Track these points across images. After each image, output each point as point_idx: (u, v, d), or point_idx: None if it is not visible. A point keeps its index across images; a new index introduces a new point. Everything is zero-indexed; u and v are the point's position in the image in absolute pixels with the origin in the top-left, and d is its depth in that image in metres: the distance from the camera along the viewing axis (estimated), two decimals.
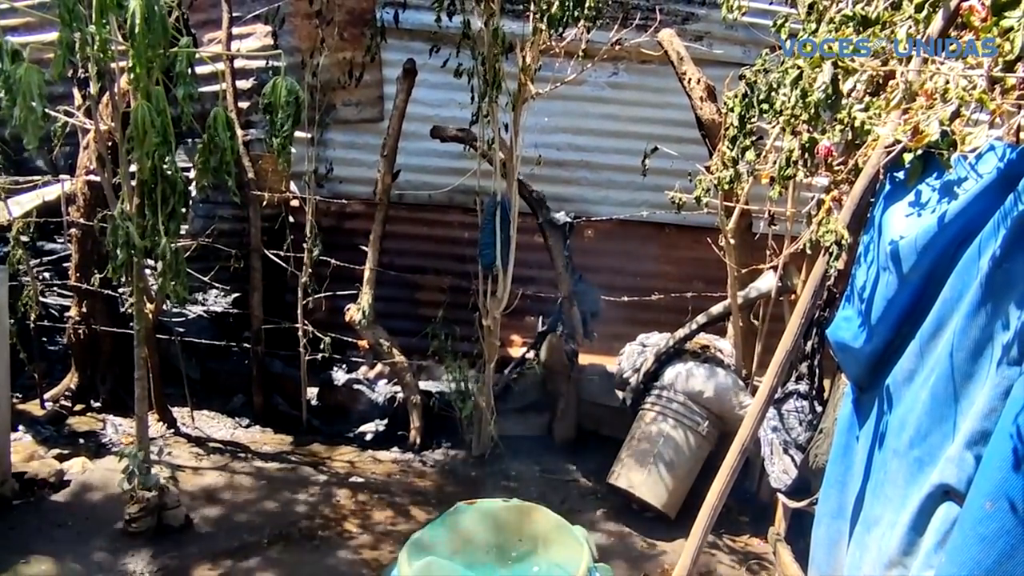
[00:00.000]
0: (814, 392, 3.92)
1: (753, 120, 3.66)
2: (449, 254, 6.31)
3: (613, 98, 6.36)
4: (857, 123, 2.66)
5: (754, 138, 3.77)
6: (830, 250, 2.78)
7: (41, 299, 5.34)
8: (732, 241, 4.46)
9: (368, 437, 5.36)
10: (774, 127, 3.54)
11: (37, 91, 3.02)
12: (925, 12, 2.59)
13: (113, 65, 3.60)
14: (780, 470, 3.94)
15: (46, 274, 5.89)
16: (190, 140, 5.12)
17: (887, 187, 2.78)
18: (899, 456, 2.59)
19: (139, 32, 2.99)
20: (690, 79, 4.66)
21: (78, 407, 5.27)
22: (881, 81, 2.86)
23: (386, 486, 4.72)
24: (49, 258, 5.96)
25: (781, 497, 3.93)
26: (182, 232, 4.20)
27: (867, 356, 2.84)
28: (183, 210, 3.53)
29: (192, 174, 3.66)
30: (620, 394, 5.03)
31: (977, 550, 1.99)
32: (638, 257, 6.50)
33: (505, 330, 5.32)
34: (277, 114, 3.51)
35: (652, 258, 6.47)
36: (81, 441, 4.89)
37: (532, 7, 4.27)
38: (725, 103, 3.85)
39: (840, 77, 2.60)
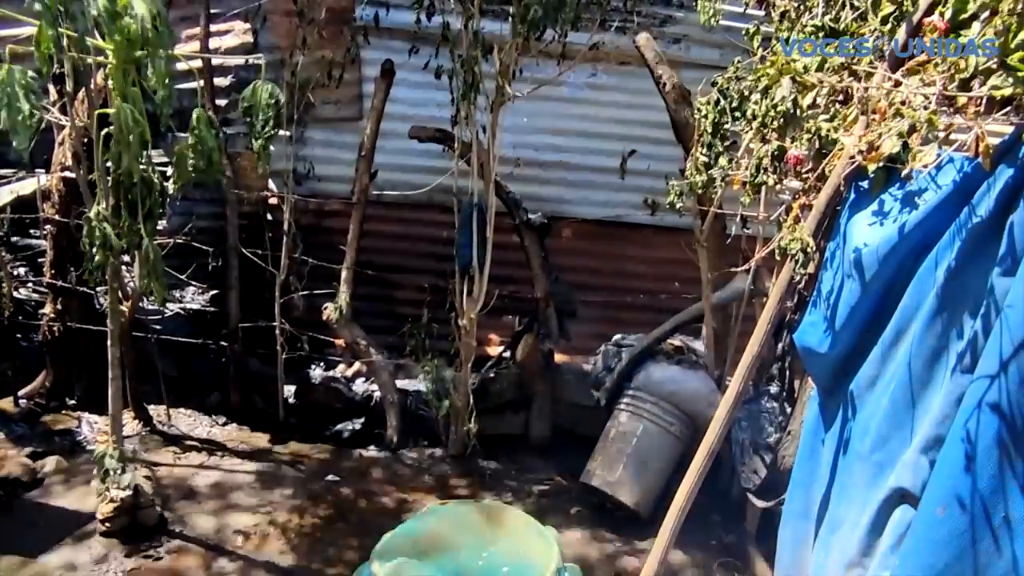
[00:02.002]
0: (784, 393, 3.99)
1: (726, 126, 3.70)
2: (427, 253, 6.31)
3: (592, 99, 6.39)
4: (823, 133, 2.72)
5: (727, 143, 3.81)
6: (795, 257, 2.83)
7: (16, 295, 5.31)
8: (705, 244, 4.51)
9: (345, 435, 5.37)
10: (747, 132, 3.58)
11: (23, 92, 2.98)
12: (889, 25, 2.66)
13: (90, 61, 3.58)
14: (750, 470, 4.01)
15: (21, 269, 5.84)
16: (170, 136, 5.10)
17: (852, 196, 2.83)
18: (861, 460, 2.66)
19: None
20: (665, 83, 4.69)
21: (53, 404, 5.24)
22: (850, 91, 2.92)
23: (362, 484, 4.75)
24: (24, 254, 5.91)
25: (751, 496, 3.99)
26: (159, 230, 4.19)
27: (832, 361, 2.89)
28: (160, 210, 3.53)
29: (169, 170, 3.64)
30: (595, 394, 5.07)
31: (929, 553, 2.06)
32: (615, 257, 6.55)
33: (482, 329, 5.35)
34: (257, 117, 3.51)
35: (629, 258, 6.51)
36: (56, 439, 4.87)
37: (512, 9, 4.29)
38: (699, 109, 3.89)
39: (800, 93, 2.64)
